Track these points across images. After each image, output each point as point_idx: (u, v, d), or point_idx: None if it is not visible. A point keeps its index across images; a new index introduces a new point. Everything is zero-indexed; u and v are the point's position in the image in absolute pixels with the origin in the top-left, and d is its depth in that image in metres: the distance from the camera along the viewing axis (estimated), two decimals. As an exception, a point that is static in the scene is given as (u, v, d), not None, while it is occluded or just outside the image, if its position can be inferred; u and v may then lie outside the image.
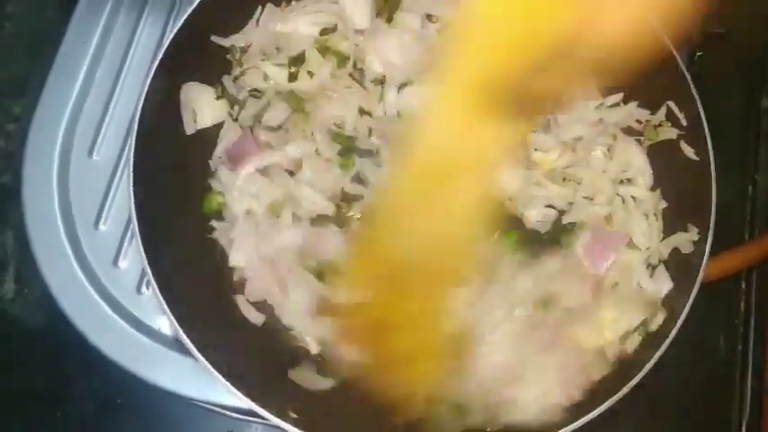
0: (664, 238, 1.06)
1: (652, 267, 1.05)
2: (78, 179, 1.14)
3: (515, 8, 0.62)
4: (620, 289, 1.04)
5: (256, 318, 1.03)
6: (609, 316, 1.00)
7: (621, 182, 1.10)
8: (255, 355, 1.01)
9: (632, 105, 1.12)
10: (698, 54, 1.21)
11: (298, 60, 1.11)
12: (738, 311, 1.18)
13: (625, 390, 0.92)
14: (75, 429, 1.10)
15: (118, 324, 1.06)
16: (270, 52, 1.12)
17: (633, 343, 1.00)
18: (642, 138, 1.11)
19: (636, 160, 1.10)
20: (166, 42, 1.02)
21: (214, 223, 1.06)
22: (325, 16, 1.14)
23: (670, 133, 1.08)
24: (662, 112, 1.09)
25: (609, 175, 1.09)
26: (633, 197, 1.09)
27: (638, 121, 1.11)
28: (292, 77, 1.10)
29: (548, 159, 1.10)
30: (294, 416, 0.94)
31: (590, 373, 0.97)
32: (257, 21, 1.14)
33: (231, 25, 1.12)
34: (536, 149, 1.09)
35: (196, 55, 1.07)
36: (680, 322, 0.95)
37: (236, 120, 1.10)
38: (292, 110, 1.09)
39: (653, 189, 1.10)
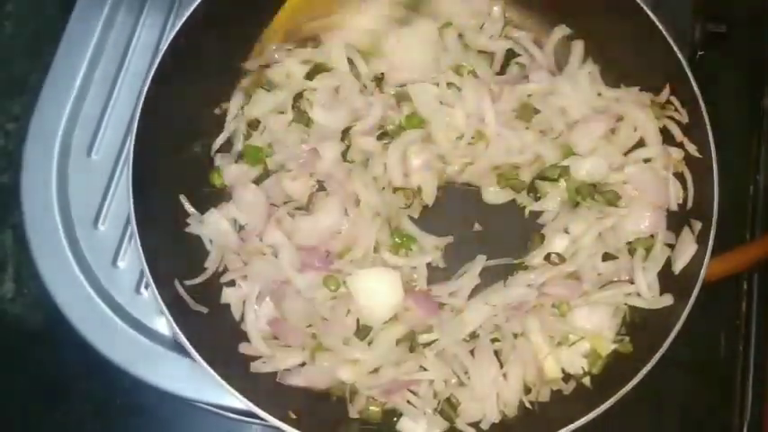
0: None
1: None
2: (77, 179, 1.14)
3: None
4: None
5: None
6: None
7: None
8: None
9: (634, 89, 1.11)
10: (698, 54, 1.21)
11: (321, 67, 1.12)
12: (740, 312, 1.17)
13: (625, 390, 0.92)
14: (75, 429, 1.10)
15: (117, 324, 1.06)
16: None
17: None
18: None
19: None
20: (166, 42, 1.01)
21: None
22: None
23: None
24: (665, 93, 1.08)
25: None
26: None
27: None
28: (310, 76, 1.11)
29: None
30: (294, 416, 0.94)
31: None
32: None
33: (230, 25, 1.12)
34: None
35: (195, 55, 1.07)
36: (681, 322, 0.95)
37: (241, 110, 1.11)
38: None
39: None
